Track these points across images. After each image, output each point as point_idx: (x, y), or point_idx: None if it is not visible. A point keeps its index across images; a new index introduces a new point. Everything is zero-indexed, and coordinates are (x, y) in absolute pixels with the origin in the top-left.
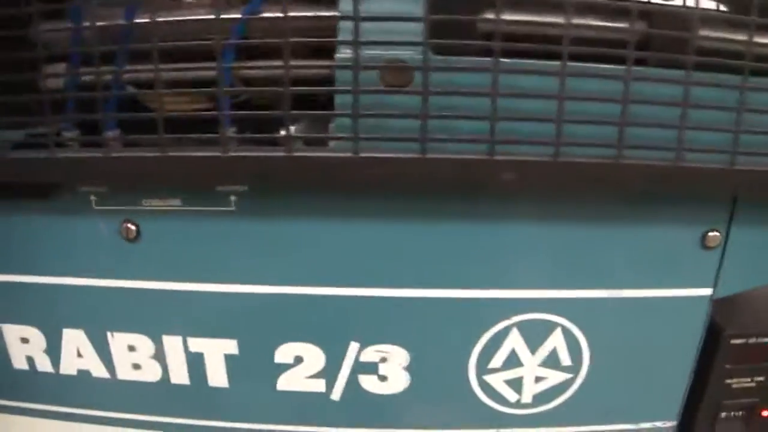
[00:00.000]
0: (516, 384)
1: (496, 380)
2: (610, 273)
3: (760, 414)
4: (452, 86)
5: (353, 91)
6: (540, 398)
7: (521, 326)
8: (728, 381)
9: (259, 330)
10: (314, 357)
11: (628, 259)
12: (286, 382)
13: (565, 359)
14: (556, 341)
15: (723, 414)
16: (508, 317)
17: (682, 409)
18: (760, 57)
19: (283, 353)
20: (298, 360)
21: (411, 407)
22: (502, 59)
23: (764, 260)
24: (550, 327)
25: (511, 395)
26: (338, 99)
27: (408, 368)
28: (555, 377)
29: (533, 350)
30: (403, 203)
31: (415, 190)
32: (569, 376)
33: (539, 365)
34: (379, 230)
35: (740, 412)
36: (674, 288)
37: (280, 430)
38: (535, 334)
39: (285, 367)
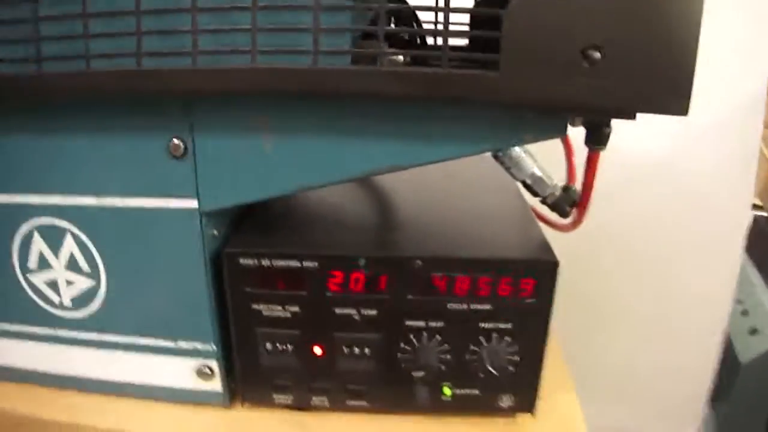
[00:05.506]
0: (54, 286)
1: (38, 280)
2: (97, 179)
3: (311, 350)
4: None
5: None
6: (77, 302)
7: (41, 230)
8: (256, 306)
9: None
10: None
11: (109, 166)
12: None
13: (84, 265)
14: (70, 246)
15: (268, 345)
16: (27, 220)
17: (222, 334)
18: None
19: None
20: None
21: None
22: None
23: (239, 172)
24: (61, 232)
25: (54, 297)
26: None
27: None
28: (81, 282)
29: (56, 254)
30: None
31: None
32: (92, 282)
33: (66, 269)
34: None
35: (289, 346)
36: (158, 198)
37: None
38: (53, 238)
39: None
